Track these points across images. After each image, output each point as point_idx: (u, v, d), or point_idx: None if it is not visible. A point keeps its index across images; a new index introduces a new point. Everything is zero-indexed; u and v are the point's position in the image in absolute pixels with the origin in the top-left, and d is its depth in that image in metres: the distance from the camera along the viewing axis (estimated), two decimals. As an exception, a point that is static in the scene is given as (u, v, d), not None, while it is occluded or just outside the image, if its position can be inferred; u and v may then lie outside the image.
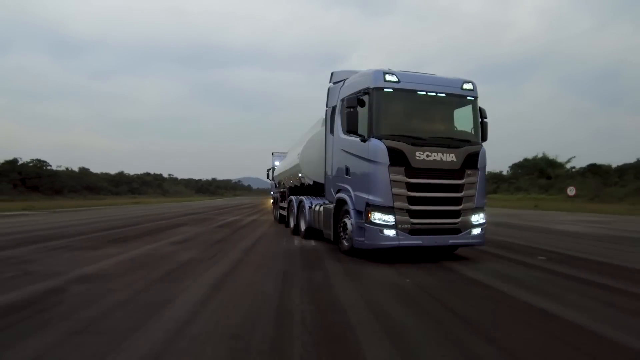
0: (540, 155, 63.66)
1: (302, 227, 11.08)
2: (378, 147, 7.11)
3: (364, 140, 7.38)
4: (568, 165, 62.14)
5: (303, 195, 11.55)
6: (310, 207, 10.54)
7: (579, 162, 65.26)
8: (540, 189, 55.86)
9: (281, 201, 16.15)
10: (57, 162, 68.44)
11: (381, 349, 3.31)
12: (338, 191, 8.44)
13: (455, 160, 7.29)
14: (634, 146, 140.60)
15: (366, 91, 7.44)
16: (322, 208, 9.49)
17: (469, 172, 7.40)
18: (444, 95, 7.62)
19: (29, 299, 4.73)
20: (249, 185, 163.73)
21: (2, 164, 60.41)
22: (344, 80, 8.71)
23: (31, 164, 64.38)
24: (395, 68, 7.63)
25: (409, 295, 5.05)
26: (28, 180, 59.64)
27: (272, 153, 24.38)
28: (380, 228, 7.04)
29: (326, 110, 9.37)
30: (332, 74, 9.23)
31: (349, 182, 7.99)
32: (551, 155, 63.02)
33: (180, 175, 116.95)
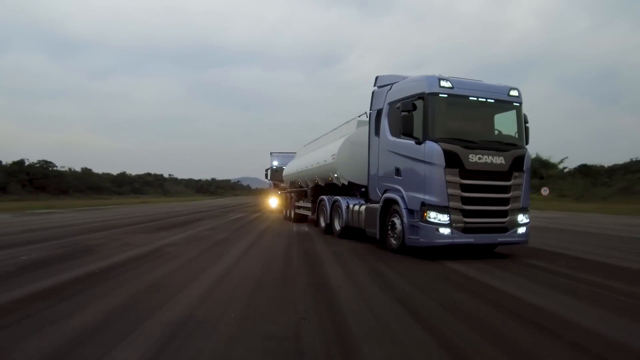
0: (533, 155, 67.81)
1: (337, 226, 11.87)
2: (434, 150, 7.70)
3: (419, 142, 7.96)
4: (561, 166, 66.32)
5: (328, 195, 12.72)
6: (347, 207, 11.16)
7: (575, 162, 69.36)
8: (532, 189, 59.78)
9: (297, 200, 17.06)
10: (56, 161, 72.95)
11: (333, 264, 7.52)
12: (385, 191, 9.04)
13: (504, 162, 7.95)
14: (634, 145, 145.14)
15: (421, 96, 8.03)
16: (363, 208, 10.22)
17: (516, 174, 8.06)
18: (492, 101, 8.35)
19: (145, 253, 8.83)
20: (247, 185, 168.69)
21: (11, 164, 64.56)
22: (391, 84, 9.29)
23: (37, 165, 68.49)
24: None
25: (356, 250, 9.23)
26: (35, 180, 63.56)
27: (271, 153, 26.15)
28: (435, 227, 7.68)
29: (370, 113, 10.00)
30: (376, 77, 9.85)
31: (400, 182, 8.55)
32: (545, 155, 67.03)
33: (180, 175, 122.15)
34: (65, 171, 71.82)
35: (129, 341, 3.47)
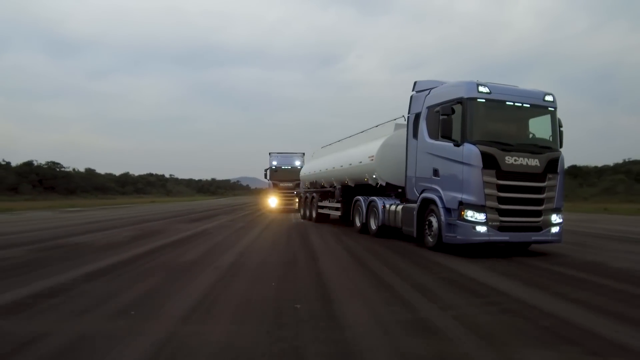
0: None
1: (373, 225, 12.77)
2: (472, 152, 8.35)
3: (457, 145, 8.62)
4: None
5: (359, 195, 13.90)
6: (383, 207, 12.01)
7: (571, 162, 73.73)
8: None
9: (321, 201, 18.21)
10: (56, 161, 78.71)
11: (317, 237, 12.72)
12: (422, 191, 9.77)
13: (538, 164, 8.56)
14: (634, 145, 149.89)
15: (459, 100, 8.71)
16: (400, 207, 11.07)
17: (550, 176, 8.66)
18: (528, 105, 8.99)
19: (197, 233, 13.97)
20: (247, 185, 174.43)
21: (21, 165, 69.69)
22: (429, 89, 10.08)
23: (45, 166, 73.62)
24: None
25: (334, 232, 14.37)
26: (45, 181, 68.68)
27: (270, 153, 27.68)
28: (472, 225, 8.32)
29: (408, 117, 10.91)
30: (415, 83, 10.75)
31: (438, 182, 9.26)
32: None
33: (180, 174, 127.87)
34: (73, 172, 76.91)
35: (224, 257, 8.63)
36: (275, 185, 26.94)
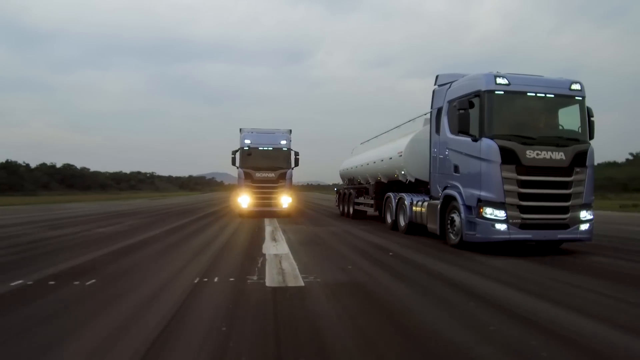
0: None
1: (402, 222, 13.38)
2: (490, 147, 8.83)
3: (475, 140, 9.12)
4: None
5: (393, 192, 14.48)
6: (411, 204, 12.67)
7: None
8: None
9: (357, 197, 19.22)
10: (21, 157, 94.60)
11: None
12: (445, 188, 10.32)
13: (564, 158, 8.88)
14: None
15: (477, 94, 9.21)
16: (425, 204, 11.68)
17: (578, 169, 8.98)
18: (552, 96, 9.35)
19: (223, 209, 39.37)
20: (221, 181, 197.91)
21: (48, 166, 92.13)
22: (450, 83, 10.72)
23: (60, 166, 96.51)
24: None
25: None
26: (66, 179, 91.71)
27: (241, 129, 20.15)
28: (492, 222, 8.79)
29: (431, 112, 11.59)
30: (437, 76, 11.47)
31: (458, 179, 9.81)
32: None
33: (155, 170, 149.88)
34: (86, 171, 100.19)
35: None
36: (247, 176, 19.38)
